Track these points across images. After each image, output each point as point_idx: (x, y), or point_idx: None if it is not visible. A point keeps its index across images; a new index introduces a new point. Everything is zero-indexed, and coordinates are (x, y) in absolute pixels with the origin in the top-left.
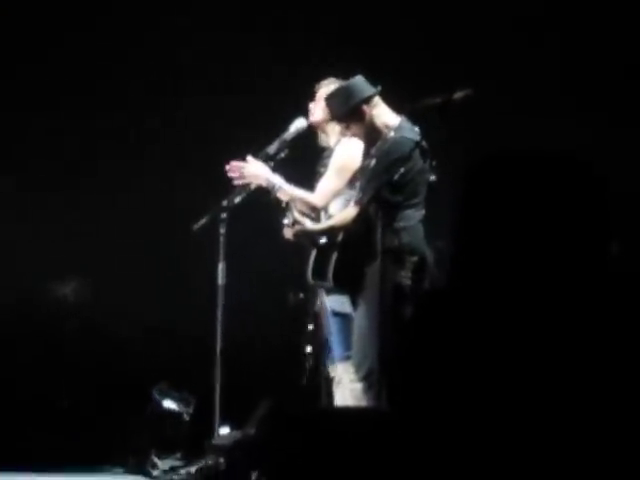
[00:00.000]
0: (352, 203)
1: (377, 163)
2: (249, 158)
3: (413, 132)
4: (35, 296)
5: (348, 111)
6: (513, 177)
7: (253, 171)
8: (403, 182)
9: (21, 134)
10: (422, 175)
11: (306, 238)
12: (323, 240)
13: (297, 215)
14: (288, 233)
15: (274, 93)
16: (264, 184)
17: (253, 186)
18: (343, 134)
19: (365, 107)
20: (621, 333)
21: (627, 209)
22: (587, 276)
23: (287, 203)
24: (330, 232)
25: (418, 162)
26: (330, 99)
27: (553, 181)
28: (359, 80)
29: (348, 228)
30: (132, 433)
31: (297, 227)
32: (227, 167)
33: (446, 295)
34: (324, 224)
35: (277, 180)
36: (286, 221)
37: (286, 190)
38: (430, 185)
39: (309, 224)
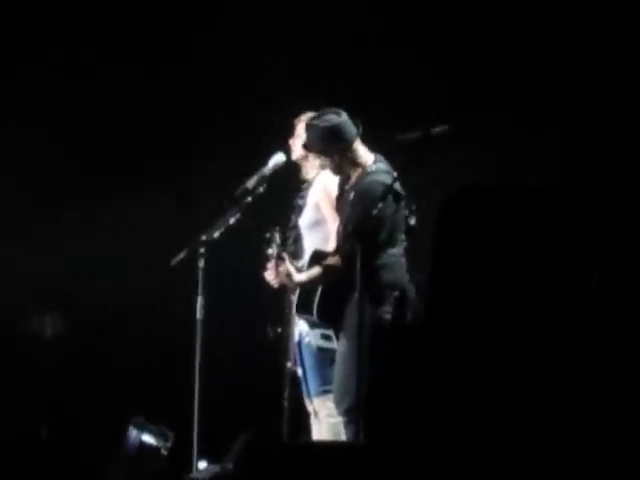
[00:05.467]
0: (335, 253)
1: (354, 204)
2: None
3: (387, 175)
4: (12, 328)
5: (331, 151)
6: (487, 209)
7: (285, 270)
8: (380, 222)
9: None
10: (397, 215)
11: (290, 283)
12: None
13: (285, 256)
14: (271, 277)
15: (253, 126)
16: (290, 285)
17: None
18: (322, 167)
19: (347, 147)
20: (600, 366)
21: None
22: (567, 309)
23: (271, 234)
24: (316, 281)
25: (391, 205)
26: (315, 135)
27: (527, 213)
28: (345, 120)
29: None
30: (109, 468)
31: (281, 277)
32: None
33: (423, 331)
34: (309, 275)
35: (299, 277)
36: (269, 252)
37: (309, 277)
38: (411, 228)
39: (293, 271)
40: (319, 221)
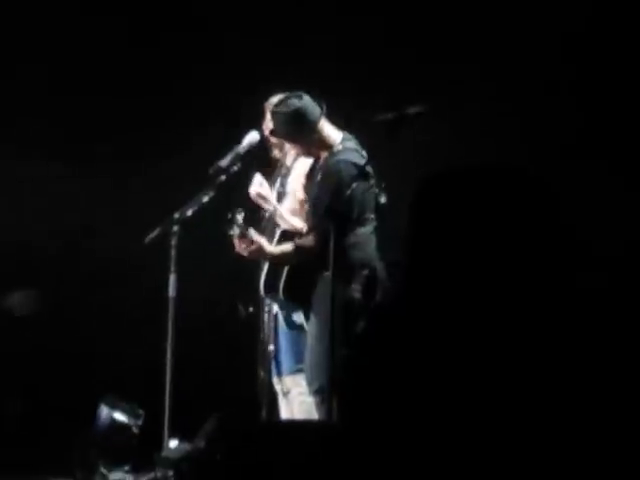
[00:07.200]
0: (308, 233)
1: (322, 184)
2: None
3: (355, 153)
4: None
5: (297, 135)
6: (462, 191)
7: (266, 194)
8: (350, 201)
9: None
10: (366, 193)
11: (262, 256)
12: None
13: (251, 231)
14: (240, 248)
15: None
16: (270, 208)
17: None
18: (299, 154)
19: (313, 128)
20: (575, 349)
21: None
22: (540, 289)
23: (232, 214)
24: (288, 258)
25: (361, 183)
26: (280, 121)
27: (502, 194)
28: (308, 102)
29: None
30: (80, 445)
31: (254, 247)
32: (255, 191)
33: (397, 310)
34: (282, 249)
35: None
36: (231, 232)
37: (285, 219)
38: (381, 206)
39: (266, 244)
40: (297, 210)
